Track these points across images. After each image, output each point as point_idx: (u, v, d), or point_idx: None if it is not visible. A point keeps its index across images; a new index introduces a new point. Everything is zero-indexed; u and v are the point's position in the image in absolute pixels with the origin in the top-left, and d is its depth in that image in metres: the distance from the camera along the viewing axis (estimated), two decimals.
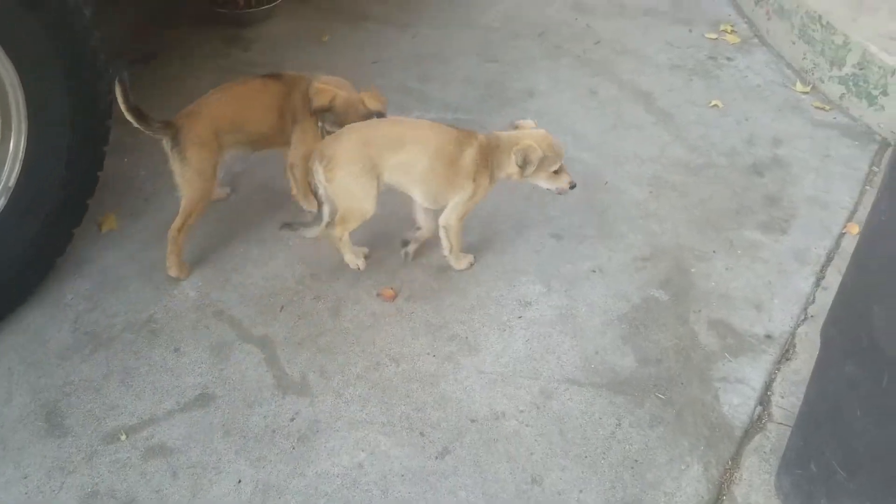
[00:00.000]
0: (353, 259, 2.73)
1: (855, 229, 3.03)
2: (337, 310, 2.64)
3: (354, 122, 2.59)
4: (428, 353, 2.51)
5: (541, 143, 2.53)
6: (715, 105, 3.59)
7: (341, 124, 2.60)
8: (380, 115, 2.67)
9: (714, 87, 3.71)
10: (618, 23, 4.11)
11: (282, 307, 2.64)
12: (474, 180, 2.54)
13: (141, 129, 2.49)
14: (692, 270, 2.84)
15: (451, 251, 2.74)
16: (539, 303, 2.70)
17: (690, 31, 4.08)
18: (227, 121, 2.65)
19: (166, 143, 2.59)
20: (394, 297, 2.68)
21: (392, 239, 2.85)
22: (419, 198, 2.60)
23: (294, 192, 2.95)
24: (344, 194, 2.51)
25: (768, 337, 2.62)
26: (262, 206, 3.01)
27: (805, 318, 2.69)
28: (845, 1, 3.71)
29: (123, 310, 2.61)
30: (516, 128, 2.64)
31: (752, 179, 3.24)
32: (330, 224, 2.61)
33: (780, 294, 2.77)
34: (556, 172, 2.60)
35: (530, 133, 2.58)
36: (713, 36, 4.03)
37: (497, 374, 2.46)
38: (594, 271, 2.82)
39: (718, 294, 2.76)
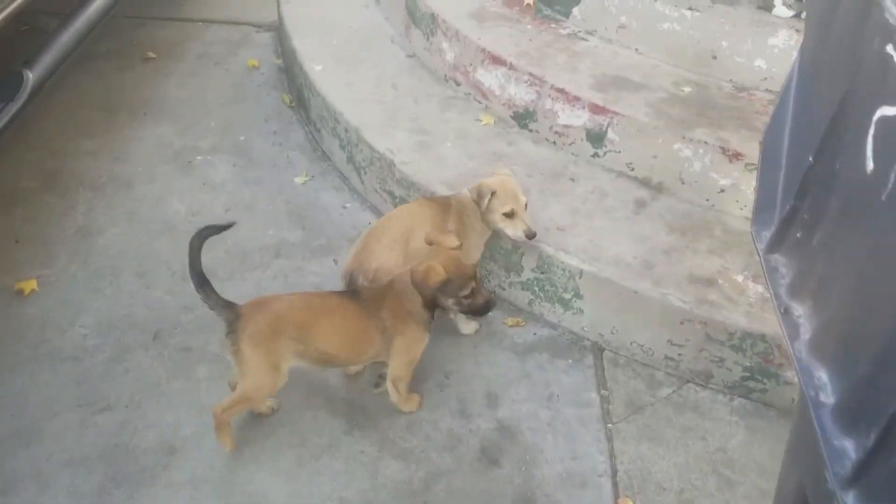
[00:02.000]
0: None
1: None
2: None
3: (468, 272, 2.49)
4: None
5: (496, 182, 2.81)
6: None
7: (461, 286, 2.46)
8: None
9: None
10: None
11: None
12: (467, 235, 2.82)
13: (199, 296, 2.35)
14: None
15: None
16: None
17: (336, 262, 3.33)
18: (292, 326, 2.40)
19: (225, 326, 2.36)
20: None
21: None
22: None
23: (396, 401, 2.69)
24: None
25: None
26: None
27: None
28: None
29: None
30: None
31: (493, 475, 2.57)
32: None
33: None
34: (508, 216, 2.79)
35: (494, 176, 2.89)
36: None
37: None
38: None
39: None
